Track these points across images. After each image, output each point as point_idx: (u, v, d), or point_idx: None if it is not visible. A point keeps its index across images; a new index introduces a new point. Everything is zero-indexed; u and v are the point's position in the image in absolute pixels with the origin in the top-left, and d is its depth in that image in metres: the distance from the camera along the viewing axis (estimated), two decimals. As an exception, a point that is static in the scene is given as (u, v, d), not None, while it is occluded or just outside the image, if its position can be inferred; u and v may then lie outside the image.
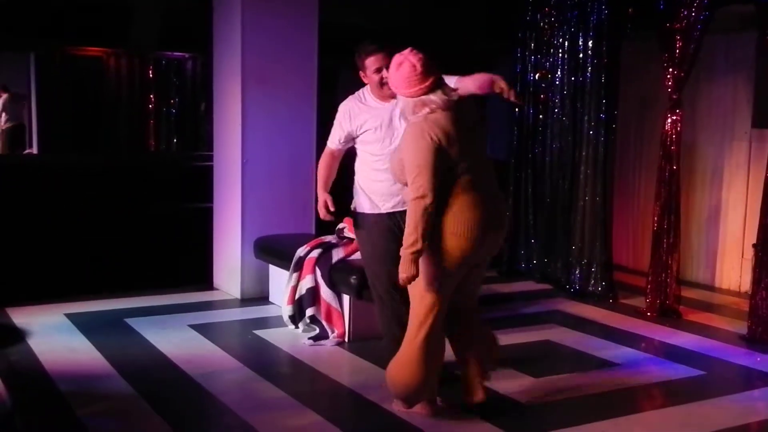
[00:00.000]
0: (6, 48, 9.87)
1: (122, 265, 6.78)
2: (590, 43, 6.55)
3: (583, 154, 6.64)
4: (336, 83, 10.40)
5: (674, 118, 5.94)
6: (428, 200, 3.52)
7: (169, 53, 10.15)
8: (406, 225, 3.61)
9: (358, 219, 4.37)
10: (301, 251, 5.49)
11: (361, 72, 4.25)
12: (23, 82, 10.69)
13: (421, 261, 3.60)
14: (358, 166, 4.36)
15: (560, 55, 6.82)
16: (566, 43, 6.75)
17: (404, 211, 3.80)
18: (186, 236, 7.08)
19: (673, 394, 4.47)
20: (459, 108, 3.69)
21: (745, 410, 4.18)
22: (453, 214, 3.61)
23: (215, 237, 6.70)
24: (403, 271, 3.58)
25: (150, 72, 10.14)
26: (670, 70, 5.89)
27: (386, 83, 4.07)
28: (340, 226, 5.61)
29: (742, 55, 6.82)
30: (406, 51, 3.71)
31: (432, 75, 3.65)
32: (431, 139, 3.55)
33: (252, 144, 6.26)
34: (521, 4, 7.08)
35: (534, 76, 7.12)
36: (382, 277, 4.24)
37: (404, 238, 3.59)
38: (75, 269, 6.56)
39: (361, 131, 4.25)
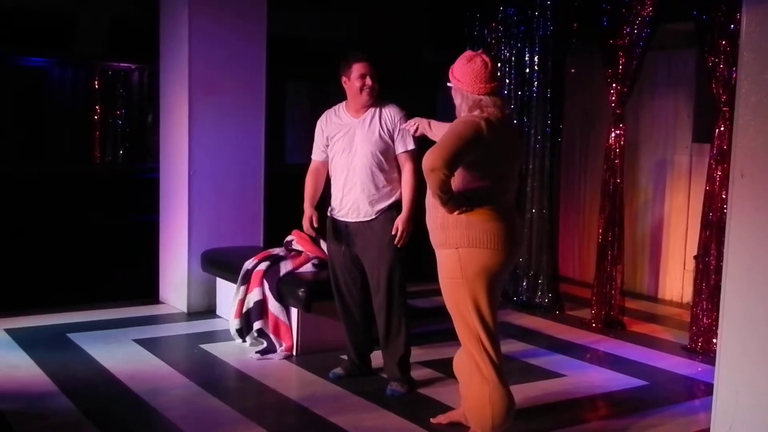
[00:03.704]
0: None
1: (66, 279, 6.65)
2: (536, 58, 6.65)
3: (530, 167, 6.73)
4: (285, 95, 10.37)
5: (618, 132, 6.05)
6: (441, 173, 3.36)
7: (116, 63, 10.02)
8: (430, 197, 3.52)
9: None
10: (248, 264, 5.45)
11: (343, 77, 4.49)
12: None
13: (457, 291, 3.56)
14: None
15: (507, 69, 6.91)
16: (513, 58, 6.84)
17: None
18: (132, 249, 6.98)
19: (618, 404, 4.54)
20: (508, 121, 3.76)
21: (687, 419, 4.26)
22: (482, 222, 3.52)
23: (161, 249, 6.62)
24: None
25: (96, 82, 10.00)
26: (614, 85, 6.01)
27: (365, 90, 4.39)
28: (288, 238, 5.59)
29: (683, 72, 6.99)
30: (479, 51, 3.69)
31: (496, 81, 3.61)
32: (480, 126, 3.45)
33: (199, 156, 6.21)
34: (468, 18, 7.16)
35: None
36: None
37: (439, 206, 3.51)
38: (16, 282, 6.41)
39: (331, 142, 4.55)
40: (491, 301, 3.60)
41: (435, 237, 3.65)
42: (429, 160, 3.38)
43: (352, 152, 4.46)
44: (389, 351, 4.56)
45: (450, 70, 3.67)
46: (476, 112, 3.55)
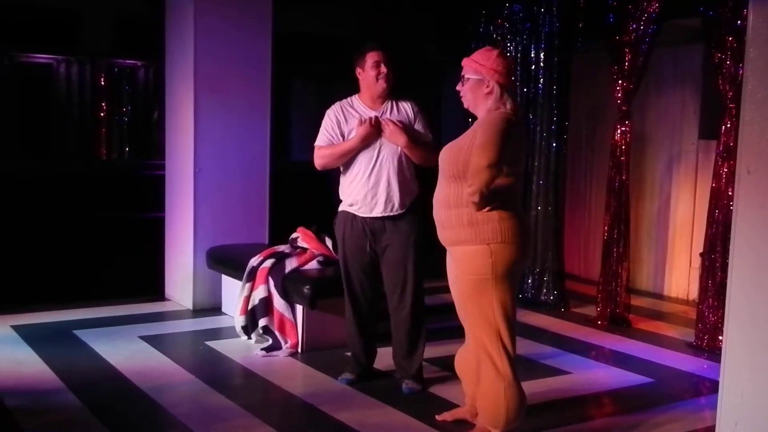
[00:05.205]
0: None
1: (71, 275, 6.66)
2: (542, 55, 6.64)
3: (536, 164, 6.72)
4: (291, 92, 10.38)
5: (623, 129, 6.04)
6: (496, 170, 3.43)
7: (121, 60, 10.03)
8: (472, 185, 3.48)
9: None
10: (254, 261, 5.45)
11: (357, 68, 4.44)
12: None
13: (483, 288, 3.56)
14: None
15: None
16: (518, 55, 6.82)
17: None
18: (138, 246, 6.99)
19: (623, 401, 4.53)
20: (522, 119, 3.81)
21: (692, 417, 4.25)
22: (510, 218, 3.55)
23: (167, 247, 6.63)
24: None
25: (101, 79, 10.02)
26: (620, 82, 5.99)
27: (381, 78, 4.35)
28: (294, 235, 5.59)
29: (689, 68, 6.97)
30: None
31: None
32: (513, 121, 3.53)
33: (205, 153, 6.21)
34: (474, 15, 7.15)
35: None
36: None
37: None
38: (22, 279, 6.43)
39: (351, 136, 4.39)
40: (515, 296, 3.64)
41: (459, 234, 3.59)
42: (483, 157, 3.41)
43: (377, 144, 4.34)
44: (411, 350, 4.53)
45: (472, 62, 3.66)
46: (508, 105, 3.59)
